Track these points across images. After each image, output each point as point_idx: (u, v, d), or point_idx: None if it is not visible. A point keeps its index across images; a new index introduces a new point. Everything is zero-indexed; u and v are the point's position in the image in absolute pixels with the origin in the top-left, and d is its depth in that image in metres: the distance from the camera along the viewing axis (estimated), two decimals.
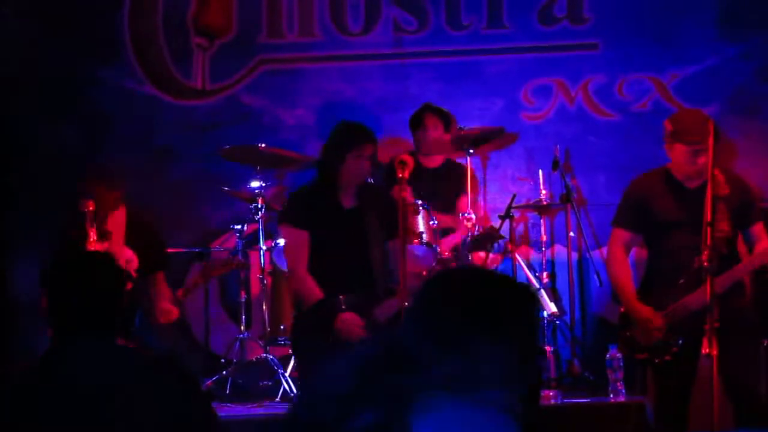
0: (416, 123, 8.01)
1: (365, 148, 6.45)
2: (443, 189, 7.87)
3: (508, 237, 7.69)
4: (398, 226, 6.39)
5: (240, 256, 7.77)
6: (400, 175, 6.15)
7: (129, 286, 6.80)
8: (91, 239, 6.32)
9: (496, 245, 7.66)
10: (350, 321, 6.19)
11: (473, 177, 7.82)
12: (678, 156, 6.55)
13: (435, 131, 7.95)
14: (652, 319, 6.48)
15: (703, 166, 6.34)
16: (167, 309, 6.96)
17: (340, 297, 6.24)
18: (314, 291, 6.30)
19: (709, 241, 5.89)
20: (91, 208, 6.42)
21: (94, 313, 3.64)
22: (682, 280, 6.42)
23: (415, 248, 6.95)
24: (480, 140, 7.89)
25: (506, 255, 7.78)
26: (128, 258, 6.86)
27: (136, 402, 3.45)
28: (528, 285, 2.77)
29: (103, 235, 6.73)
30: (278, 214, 6.86)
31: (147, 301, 7.01)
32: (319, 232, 6.40)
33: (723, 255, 6.24)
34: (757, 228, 6.59)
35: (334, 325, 6.18)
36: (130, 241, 6.95)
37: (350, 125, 6.58)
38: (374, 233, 6.46)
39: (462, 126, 7.96)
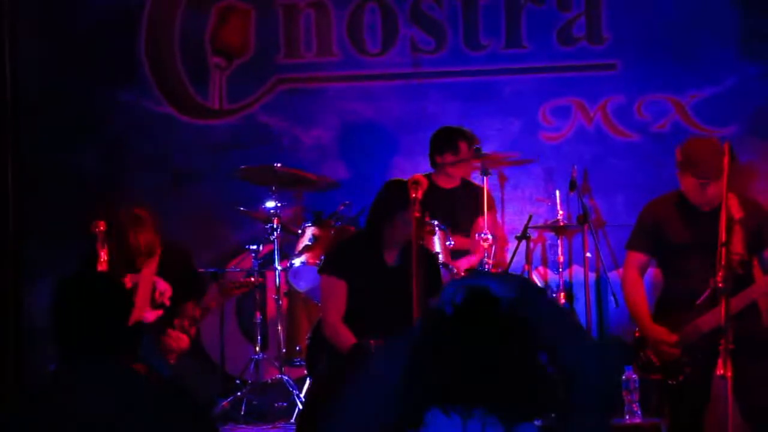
0: (448, 145, 7.90)
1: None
2: (460, 209, 7.84)
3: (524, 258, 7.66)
4: (441, 284, 6.32)
5: (256, 275, 7.74)
6: (414, 196, 6.09)
7: (159, 313, 6.83)
8: (102, 259, 6.32)
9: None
10: None
11: (490, 197, 7.77)
12: (687, 186, 6.53)
13: (467, 154, 7.89)
14: (665, 339, 6.44)
15: (713, 197, 6.35)
16: (175, 336, 6.85)
17: (371, 342, 6.05)
18: (347, 337, 6.16)
19: (724, 262, 5.83)
20: (102, 229, 6.43)
21: (97, 336, 3.62)
22: (695, 302, 6.38)
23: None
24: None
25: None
26: (162, 290, 6.85)
27: (138, 428, 3.43)
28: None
29: (132, 266, 6.73)
30: (319, 264, 6.74)
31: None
32: (358, 286, 6.28)
33: (738, 276, 6.18)
34: None
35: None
36: (165, 271, 6.95)
37: (401, 186, 6.34)
38: (419, 292, 6.30)
39: (479, 146, 7.93)
